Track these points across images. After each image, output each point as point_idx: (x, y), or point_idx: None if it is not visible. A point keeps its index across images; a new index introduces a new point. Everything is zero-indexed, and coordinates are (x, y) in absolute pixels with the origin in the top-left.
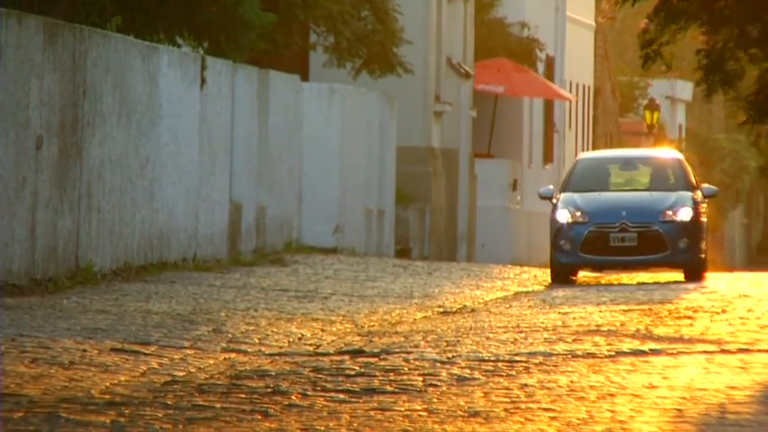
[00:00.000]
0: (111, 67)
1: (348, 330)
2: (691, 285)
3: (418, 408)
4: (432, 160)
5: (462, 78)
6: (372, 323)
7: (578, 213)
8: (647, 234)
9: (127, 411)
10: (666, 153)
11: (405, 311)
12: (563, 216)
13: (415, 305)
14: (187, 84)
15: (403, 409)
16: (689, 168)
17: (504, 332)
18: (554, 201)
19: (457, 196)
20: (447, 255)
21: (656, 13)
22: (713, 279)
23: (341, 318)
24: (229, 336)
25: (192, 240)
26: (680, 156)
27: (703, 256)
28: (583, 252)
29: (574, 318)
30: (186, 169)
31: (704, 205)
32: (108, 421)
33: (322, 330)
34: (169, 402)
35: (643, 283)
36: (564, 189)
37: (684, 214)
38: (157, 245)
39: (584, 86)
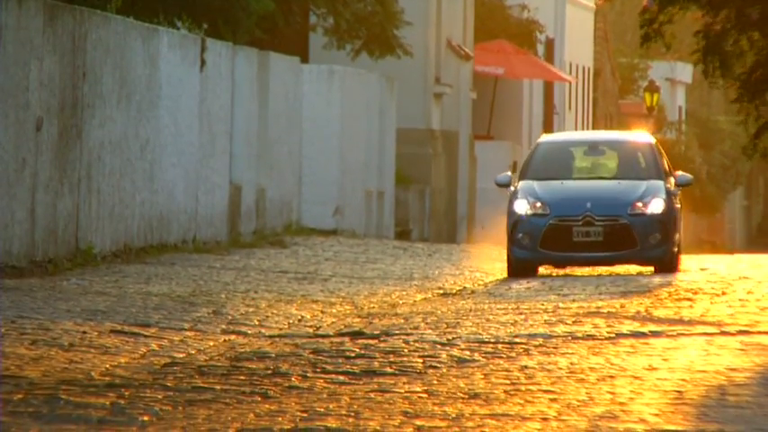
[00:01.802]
0: (111, 49)
1: (348, 312)
2: (691, 267)
3: (418, 389)
4: (431, 142)
5: (462, 60)
6: (372, 305)
7: (538, 204)
8: (614, 228)
9: (127, 393)
10: (636, 136)
11: (404, 293)
12: (521, 207)
13: (415, 287)
14: (187, 65)
15: (403, 390)
16: (661, 153)
17: (504, 314)
18: (512, 189)
19: (457, 178)
20: (447, 236)
21: None
22: (711, 262)
23: (341, 299)
24: (229, 317)
25: (192, 222)
26: (651, 139)
27: (676, 250)
28: (542, 247)
29: (573, 300)
30: (186, 151)
31: (678, 194)
32: (108, 403)
33: (322, 312)
34: (169, 384)
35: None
36: (523, 176)
37: (656, 206)
38: (157, 227)
39: (583, 68)
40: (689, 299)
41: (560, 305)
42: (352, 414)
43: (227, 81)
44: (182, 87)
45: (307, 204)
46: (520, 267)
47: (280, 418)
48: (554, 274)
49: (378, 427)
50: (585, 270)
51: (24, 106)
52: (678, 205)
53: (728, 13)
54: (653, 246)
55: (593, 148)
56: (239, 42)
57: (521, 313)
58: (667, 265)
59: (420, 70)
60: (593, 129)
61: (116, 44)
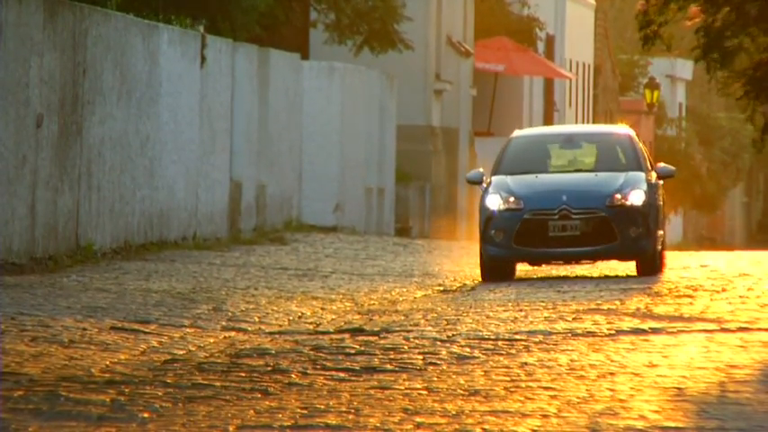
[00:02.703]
0: (112, 46)
1: (348, 309)
2: (691, 264)
3: (418, 386)
4: (432, 139)
5: (462, 57)
6: (372, 302)
7: (511, 199)
8: (592, 221)
9: (127, 390)
10: (615, 129)
11: (405, 290)
12: (493, 202)
13: (415, 283)
14: (187, 62)
15: (403, 387)
16: (641, 146)
17: (504, 311)
18: (484, 185)
19: (457, 175)
20: (447, 233)
21: None
22: (712, 258)
23: (341, 296)
24: (229, 314)
25: (192, 219)
26: (631, 131)
27: (660, 246)
28: (517, 244)
29: (573, 296)
30: (186, 148)
31: (660, 187)
32: (108, 400)
33: (322, 309)
34: (169, 381)
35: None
36: (495, 172)
37: (636, 197)
38: (157, 223)
39: (584, 65)
40: (689, 296)
41: (560, 302)
42: (353, 411)
43: (227, 78)
44: (182, 84)
45: (307, 201)
46: (494, 266)
47: (280, 415)
48: (553, 272)
49: (378, 424)
50: (585, 268)
51: (24, 103)
52: (660, 201)
53: (728, 11)
54: (634, 239)
55: (568, 141)
56: (239, 39)
57: (521, 310)
58: (650, 260)
59: (420, 67)
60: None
61: (116, 41)
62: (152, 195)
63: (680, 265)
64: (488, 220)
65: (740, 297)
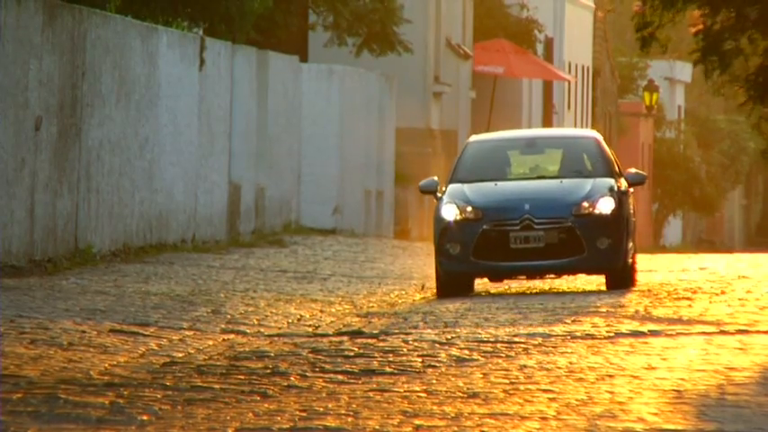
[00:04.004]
0: (111, 48)
1: (347, 311)
2: (690, 266)
3: (417, 389)
4: (431, 141)
5: (461, 59)
6: (371, 304)
7: (468, 209)
8: (557, 232)
9: (126, 392)
10: (580, 132)
11: (404, 292)
12: (449, 212)
13: (414, 286)
14: (186, 64)
15: (402, 390)
16: (609, 151)
17: (503, 313)
18: (439, 194)
19: None
20: None
21: None
22: (711, 261)
23: (340, 299)
24: (228, 317)
25: (191, 221)
26: (597, 135)
27: (631, 259)
28: (475, 257)
29: (572, 299)
30: (185, 150)
31: (630, 195)
32: (107, 402)
33: (321, 311)
34: (168, 383)
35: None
36: (451, 180)
37: (605, 206)
38: (156, 226)
39: (583, 67)
40: (688, 298)
41: (559, 304)
42: (351, 413)
43: (226, 80)
44: (181, 86)
45: (306, 203)
46: (450, 282)
47: (279, 418)
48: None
49: (377, 427)
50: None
51: (23, 105)
52: (632, 209)
53: (727, 14)
54: (602, 251)
55: (530, 146)
56: (238, 41)
57: (519, 312)
58: (620, 274)
59: (419, 69)
60: (593, 128)
61: (115, 43)
62: (151, 198)
63: (679, 268)
64: (444, 231)
65: (739, 300)
